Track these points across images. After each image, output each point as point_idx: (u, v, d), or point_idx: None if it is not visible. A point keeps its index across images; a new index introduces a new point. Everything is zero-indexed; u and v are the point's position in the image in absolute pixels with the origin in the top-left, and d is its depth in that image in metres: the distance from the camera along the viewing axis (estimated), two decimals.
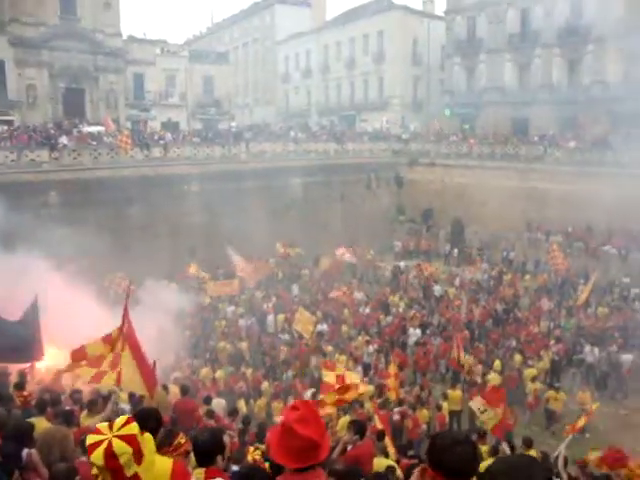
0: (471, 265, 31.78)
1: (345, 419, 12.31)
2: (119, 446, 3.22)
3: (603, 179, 28.41)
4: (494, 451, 9.97)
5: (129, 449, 3.25)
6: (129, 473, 3.31)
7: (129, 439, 3.28)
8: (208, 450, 3.87)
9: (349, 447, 8.03)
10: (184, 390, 11.73)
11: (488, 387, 15.72)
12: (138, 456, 3.35)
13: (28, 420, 7.13)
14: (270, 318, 24.20)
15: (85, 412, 9.06)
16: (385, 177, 39.81)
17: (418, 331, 21.99)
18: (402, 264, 32.27)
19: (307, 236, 30.36)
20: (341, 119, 55.10)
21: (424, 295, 27.77)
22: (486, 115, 43.94)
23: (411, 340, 21.65)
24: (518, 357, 19.21)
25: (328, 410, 11.76)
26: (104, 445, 3.21)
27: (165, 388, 11.51)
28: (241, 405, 14.99)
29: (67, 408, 8.83)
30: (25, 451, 6.19)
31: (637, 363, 18.85)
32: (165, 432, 5.32)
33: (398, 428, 14.11)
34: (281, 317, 24.02)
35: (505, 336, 21.58)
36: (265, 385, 17.66)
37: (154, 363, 9.67)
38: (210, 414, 10.91)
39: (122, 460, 3.21)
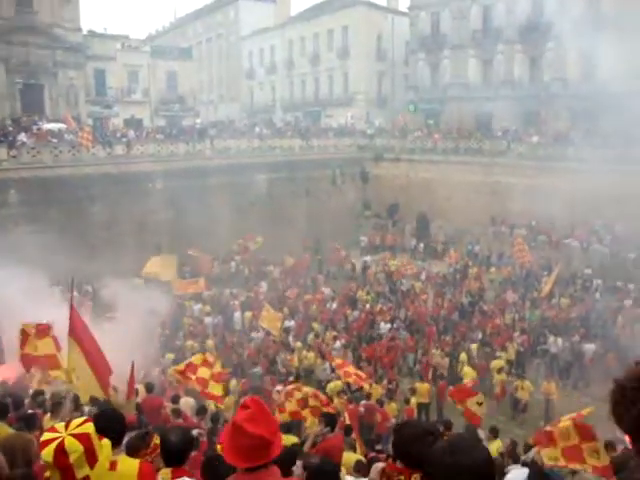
0: (438, 259, 32.13)
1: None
2: (71, 443, 3.16)
3: (564, 174, 28.95)
4: None
5: (80, 447, 3.19)
6: (79, 475, 3.23)
7: (82, 437, 3.22)
8: (180, 450, 3.80)
9: (319, 440, 8.07)
10: (149, 388, 11.63)
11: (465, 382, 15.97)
12: (90, 457, 3.28)
13: None
14: (237, 315, 24.07)
15: (49, 415, 8.87)
16: (350, 172, 39.88)
17: (389, 325, 22.11)
18: (368, 258, 32.45)
19: (272, 232, 30.22)
20: (306, 115, 55.00)
21: (390, 289, 27.94)
22: (450, 110, 44.34)
23: (381, 333, 21.79)
24: (474, 346, 19.65)
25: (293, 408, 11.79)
26: (56, 442, 3.15)
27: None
28: (209, 403, 14.85)
29: (29, 411, 8.62)
30: None
31: (599, 352, 19.25)
32: (141, 433, 5.22)
33: (367, 422, 14.15)
34: (248, 314, 23.91)
35: (471, 329, 21.86)
36: (233, 383, 17.52)
37: (132, 365, 9.55)
38: (177, 413, 10.78)
39: (72, 458, 3.15)
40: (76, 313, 9.83)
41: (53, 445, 3.15)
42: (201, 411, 11.83)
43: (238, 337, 22.23)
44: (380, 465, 3.47)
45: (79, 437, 3.23)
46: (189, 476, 3.78)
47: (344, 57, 53.04)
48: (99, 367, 9.34)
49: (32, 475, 5.10)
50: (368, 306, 24.78)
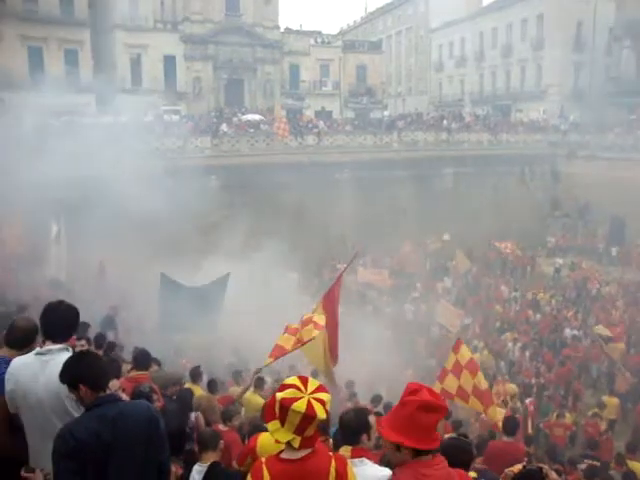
0: (633, 265, 29.77)
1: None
2: (324, 396, 3.21)
3: None
4: None
5: (329, 396, 3.29)
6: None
7: (322, 389, 3.28)
8: (352, 428, 4.00)
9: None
10: None
11: None
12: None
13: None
14: (407, 307, 24.05)
15: (252, 389, 9.72)
16: (540, 170, 38.16)
17: (575, 332, 20.89)
18: (558, 261, 30.93)
19: (456, 227, 29.85)
20: (495, 109, 53.30)
21: (578, 294, 26.38)
22: None
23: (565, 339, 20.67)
24: None
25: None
26: (315, 401, 3.15)
27: None
28: (383, 392, 15.11)
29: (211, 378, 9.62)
30: (193, 414, 6.84)
31: None
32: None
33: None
34: (423, 308, 23.88)
35: None
36: (409, 373, 17.69)
37: None
38: (351, 397, 11.28)
39: (329, 406, 3.25)
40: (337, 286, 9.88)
41: (316, 404, 3.14)
42: (376, 399, 12.06)
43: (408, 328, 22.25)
44: None
45: (321, 390, 3.26)
46: (367, 456, 3.94)
47: (538, 48, 50.54)
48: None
49: (219, 434, 5.72)
50: (553, 309, 23.67)
